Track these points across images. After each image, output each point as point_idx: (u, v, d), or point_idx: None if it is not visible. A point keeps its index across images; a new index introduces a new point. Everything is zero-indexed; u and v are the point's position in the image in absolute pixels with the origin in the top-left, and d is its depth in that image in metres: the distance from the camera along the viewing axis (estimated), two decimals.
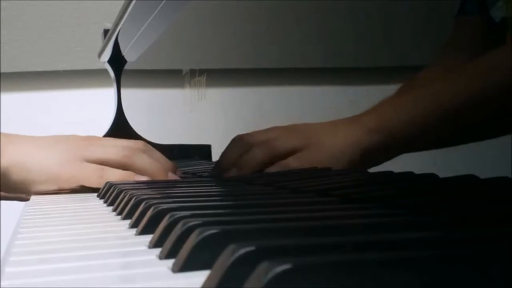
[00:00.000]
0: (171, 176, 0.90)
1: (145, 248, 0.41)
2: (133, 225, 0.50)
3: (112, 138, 0.97)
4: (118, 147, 0.90)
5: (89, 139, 0.93)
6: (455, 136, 0.44)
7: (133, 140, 0.95)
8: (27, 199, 0.97)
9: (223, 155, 0.80)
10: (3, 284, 0.31)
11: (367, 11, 0.59)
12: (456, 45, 0.51)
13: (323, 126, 0.60)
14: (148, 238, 0.43)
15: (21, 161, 0.88)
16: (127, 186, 0.70)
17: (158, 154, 0.91)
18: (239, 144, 0.74)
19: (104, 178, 0.85)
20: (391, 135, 0.50)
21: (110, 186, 0.75)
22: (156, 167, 0.89)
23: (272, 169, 0.66)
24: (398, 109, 0.49)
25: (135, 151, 0.89)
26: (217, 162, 0.83)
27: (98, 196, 0.79)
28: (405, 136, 0.48)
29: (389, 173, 0.52)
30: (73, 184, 0.88)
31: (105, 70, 1.65)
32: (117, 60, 1.58)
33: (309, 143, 0.60)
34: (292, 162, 0.63)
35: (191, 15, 1.09)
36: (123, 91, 1.60)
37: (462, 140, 0.43)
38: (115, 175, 0.86)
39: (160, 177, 0.88)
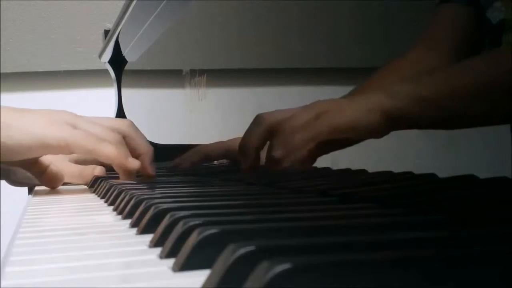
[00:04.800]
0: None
1: (145, 247, 0.41)
2: (134, 225, 0.50)
3: (96, 117, 0.87)
4: (105, 127, 0.83)
5: (73, 114, 0.83)
6: (484, 113, 0.41)
7: (119, 119, 0.91)
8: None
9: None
10: (3, 284, 0.31)
11: (367, 11, 0.59)
12: (436, 35, 0.49)
13: (345, 98, 0.55)
14: (148, 237, 0.43)
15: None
16: (127, 186, 0.70)
17: (142, 139, 0.88)
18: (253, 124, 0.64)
19: (99, 146, 0.79)
20: (418, 103, 0.46)
21: (110, 186, 0.75)
22: (150, 149, 0.87)
23: (273, 141, 0.58)
24: (428, 78, 0.46)
25: (124, 131, 0.85)
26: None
27: (98, 196, 0.79)
28: (433, 106, 0.45)
29: (389, 173, 0.52)
30: (63, 150, 0.79)
31: (106, 70, 1.66)
32: (117, 61, 1.58)
33: (321, 112, 0.53)
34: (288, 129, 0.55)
35: (191, 15, 1.09)
36: (123, 91, 1.60)
37: (491, 119, 0.41)
38: (111, 148, 0.80)
39: (150, 157, 0.86)
